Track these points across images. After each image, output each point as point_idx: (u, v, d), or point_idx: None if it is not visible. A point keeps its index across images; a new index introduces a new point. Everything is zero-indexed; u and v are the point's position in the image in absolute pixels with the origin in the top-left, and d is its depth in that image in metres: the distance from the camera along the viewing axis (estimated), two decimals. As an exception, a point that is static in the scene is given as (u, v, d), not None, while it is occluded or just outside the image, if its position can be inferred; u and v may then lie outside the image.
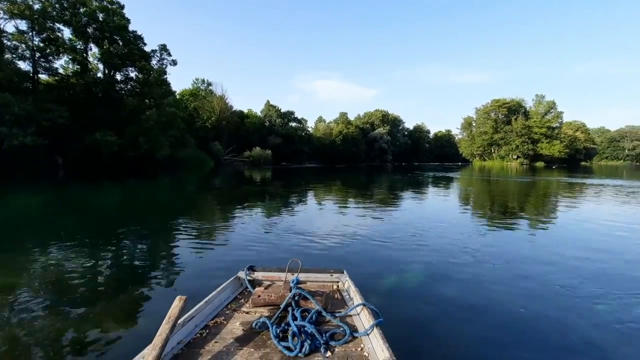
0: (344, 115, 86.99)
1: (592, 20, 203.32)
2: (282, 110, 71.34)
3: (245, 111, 68.46)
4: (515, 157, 67.53)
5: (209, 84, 51.35)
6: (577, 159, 74.21)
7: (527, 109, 69.83)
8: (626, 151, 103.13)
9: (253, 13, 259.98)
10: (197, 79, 50.88)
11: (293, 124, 72.78)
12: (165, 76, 32.53)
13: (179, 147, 42.24)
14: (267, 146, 59.25)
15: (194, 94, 49.29)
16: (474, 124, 77.81)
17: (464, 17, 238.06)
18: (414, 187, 18.51)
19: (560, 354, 2.61)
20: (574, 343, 2.75)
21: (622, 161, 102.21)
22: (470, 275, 4.31)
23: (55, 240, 5.92)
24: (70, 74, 29.05)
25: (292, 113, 73.18)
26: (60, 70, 28.74)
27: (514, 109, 68.60)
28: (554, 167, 55.97)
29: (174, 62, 33.44)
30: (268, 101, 71.62)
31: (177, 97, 48.39)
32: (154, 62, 32.38)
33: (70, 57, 28.55)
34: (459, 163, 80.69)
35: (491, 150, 73.44)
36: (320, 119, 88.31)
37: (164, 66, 32.81)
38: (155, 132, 28.46)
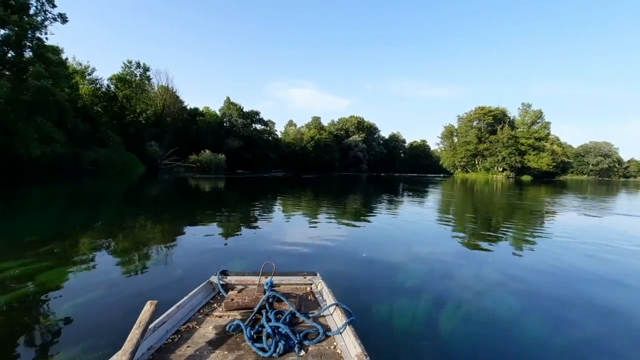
0: (316, 119, 78.32)
1: (544, 49, 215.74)
2: (244, 110, 60.96)
3: (201, 108, 57.44)
4: (501, 169, 62.35)
5: (146, 69, 39.96)
6: (555, 172, 71.41)
7: (512, 118, 65.46)
8: (590, 166, 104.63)
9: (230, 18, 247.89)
10: (129, 62, 39.15)
11: (258, 126, 62.63)
12: (45, 36, 21.16)
13: (89, 146, 30.79)
14: (223, 150, 49.16)
15: (123, 80, 37.66)
16: (456, 134, 72.45)
17: (431, 42, 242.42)
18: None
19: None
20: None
21: (586, 176, 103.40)
22: (439, 272, 4.28)
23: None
24: None
25: (257, 113, 63.00)
26: None
27: (499, 118, 63.76)
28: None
29: (63, 18, 22.13)
30: (228, 98, 60.97)
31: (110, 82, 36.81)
32: (31, 13, 21.09)
33: None
34: (441, 175, 74.81)
35: (475, 162, 68.04)
36: (290, 123, 78.83)
37: (46, 22, 21.47)
38: (9, 116, 17.25)
